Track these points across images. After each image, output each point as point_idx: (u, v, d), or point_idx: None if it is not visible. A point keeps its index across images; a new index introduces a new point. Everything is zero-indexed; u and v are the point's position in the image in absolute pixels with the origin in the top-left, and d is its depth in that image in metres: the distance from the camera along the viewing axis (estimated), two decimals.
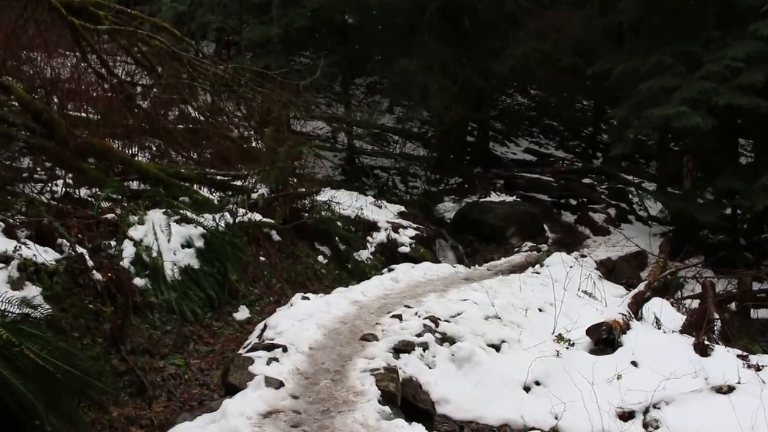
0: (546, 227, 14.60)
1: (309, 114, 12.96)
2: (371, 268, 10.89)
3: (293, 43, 16.22)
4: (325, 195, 10.89)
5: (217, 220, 7.43)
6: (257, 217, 8.46)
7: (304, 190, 9.69)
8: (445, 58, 14.65)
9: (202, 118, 10.84)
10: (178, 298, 6.43)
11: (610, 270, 12.44)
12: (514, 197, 15.36)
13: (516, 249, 13.58)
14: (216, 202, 8.33)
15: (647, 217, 15.46)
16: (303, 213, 9.48)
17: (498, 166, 20.85)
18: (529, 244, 13.67)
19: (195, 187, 8.44)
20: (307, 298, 6.84)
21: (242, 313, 7.00)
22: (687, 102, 11.46)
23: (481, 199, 15.05)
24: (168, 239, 6.71)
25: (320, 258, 9.56)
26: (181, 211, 7.23)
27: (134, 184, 7.89)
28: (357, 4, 14.55)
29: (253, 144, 11.41)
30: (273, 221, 8.67)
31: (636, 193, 17.21)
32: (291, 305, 6.62)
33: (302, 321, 6.00)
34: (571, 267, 10.72)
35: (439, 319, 6.20)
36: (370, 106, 18.82)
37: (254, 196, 8.99)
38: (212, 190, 8.89)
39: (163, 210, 7.00)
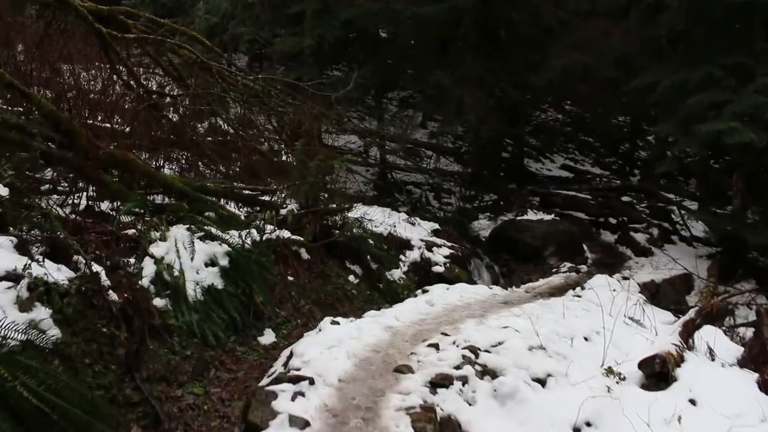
0: (585, 247, 13.99)
1: (341, 127, 12.59)
2: (404, 288, 10.43)
3: (326, 55, 15.89)
4: (356, 211, 10.47)
5: (244, 238, 7.04)
6: (286, 234, 8.05)
7: (335, 206, 9.27)
8: (481, 71, 14.19)
9: (231, 130, 10.52)
10: (200, 320, 6.03)
11: (653, 293, 11.81)
12: (552, 215, 14.78)
13: (554, 270, 13.02)
14: (243, 218, 7.94)
15: (691, 238, 14.75)
16: (334, 230, 9.07)
17: (533, 183, 20.30)
18: (568, 264, 13.10)
19: (222, 201, 8.06)
20: (337, 323, 6.40)
21: (268, 337, 6.57)
22: (739, 117, 10.84)
23: (518, 217, 14.49)
24: (191, 257, 6.33)
25: (351, 278, 9.12)
26: (206, 228, 6.84)
27: (159, 198, 7.54)
28: (390, 16, 14.15)
29: (284, 158, 11.06)
30: (302, 239, 8.26)
31: (679, 213, 16.53)
32: (319, 330, 6.18)
33: (331, 349, 5.56)
34: (614, 291, 10.19)
35: (479, 349, 5.72)
36: (403, 121, 18.41)
37: (283, 212, 8.61)
38: (239, 205, 8.52)
39: (187, 226, 6.61)
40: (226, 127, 10.78)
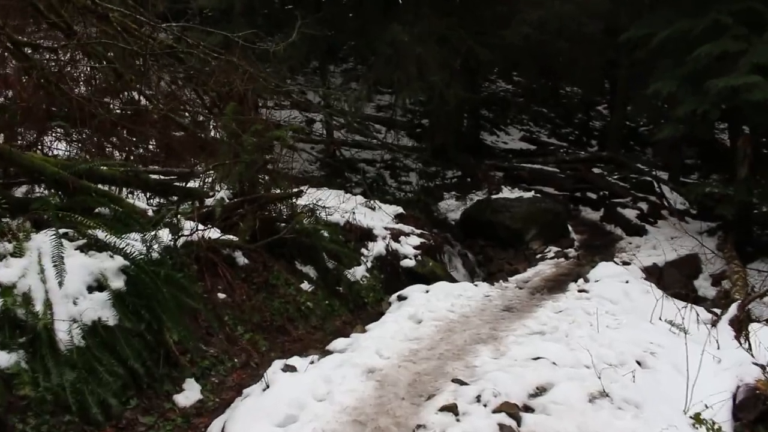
0: (570, 228, 12.14)
1: (281, 91, 10.33)
2: (369, 290, 8.39)
3: (259, 14, 13.52)
4: (306, 197, 8.30)
5: (150, 244, 4.79)
6: (213, 233, 5.83)
7: (279, 192, 7.06)
8: (441, 27, 12.09)
9: (142, 98, 8.15)
10: (76, 381, 3.81)
11: (657, 279, 10.03)
12: (533, 193, 12.86)
13: (539, 255, 11.15)
14: (152, 213, 5.66)
15: (683, 212, 13.10)
16: (278, 223, 6.88)
17: (491, 157, 18.43)
18: (554, 248, 11.25)
19: (122, 192, 5.77)
20: (293, 369, 4.27)
21: (189, 394, 4.39)
22: (760, 70, 9.09)
23: (493, 196, 12.53)
24: (60, 280, 4.07)
25: (304, 284, 6.97)
26: (90, 232, 4.57)
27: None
28: None
29: (212, 133, 8.74)
30: (236, 239, 6.05)
31: (658, 186, 14.92)
32: (266, 387, 4.03)
33: (287, 428, 3.42)
34: (627, 282, 8.34)
35: (519, 408, 3.68)
36: (349, 93, 16.19)
37: (210, 202, 6.38)
38: (149, 195, 6.24)
39: (55, 232, 4.32)
40: (137, 97, 8.39)
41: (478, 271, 11.33)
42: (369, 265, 8.83)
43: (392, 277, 9.02)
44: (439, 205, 12.77)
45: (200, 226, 5.65)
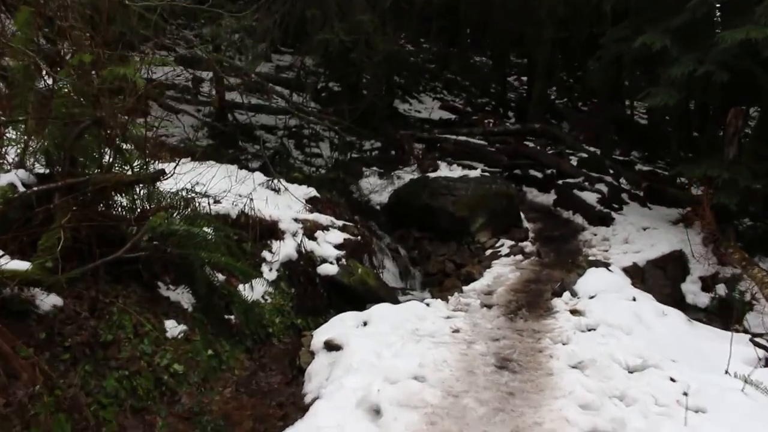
0: (522, 216, 9.80)
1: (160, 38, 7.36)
2: (273, 313, 5.87)
3: None
4: (179, 176, 5.46)
5: None
6: None
7: (124, 172, 4.19)
8: None
9: None
10: None
11: (640, 282, 7.91)
12: (480, 171, 10.40)
13: (489, 251, 8.76)
14: None
15: (645, 196, 11.08)
16: (125, 227, 4.04)
17: (406, 127, 15.93)
18: (508, 242, 8.89)
19: None
20: None
21: None
22: None
23: (431, 174, 9.96)
24: None
25: (170, 325, 4.20)
26: None
27: None
28: None
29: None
30: (32, 265, 3.20)
31: (611, 164, 12.94)
32: None
33: None
34: (634, 299, 6.12)
35: None
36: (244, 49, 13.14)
37: None
38: None
39: None
40: None
41: (412, 271, 8.84)
42: (274, 275, 6.19)
43: (307, 290, 6.42)
44: (360, 184, 10.12)
45: None
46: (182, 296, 4.69)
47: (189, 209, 5.12)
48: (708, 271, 8.45)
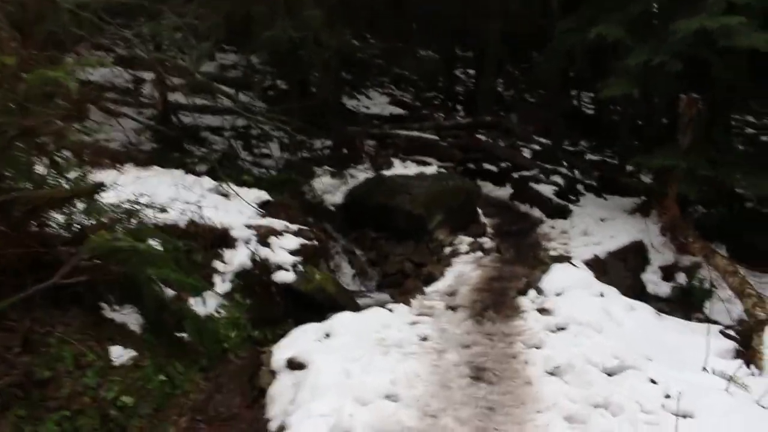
0: (479, 210, 9.64)
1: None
2: (228, 327, 5.54)
3: None
4: (121, 186, 5.08)
5: None
6: None
7: (58, 186, 3.81)
8: None
9: None
10: None
11: (601, 275, 7.82)
12: (438, 168, 10.18)
13: (448, 249, 8.55)
14: None
15: (600, 188, 11.06)
16: (56, 246, 3.67)
17: (355, 123, 15.63)
18: (466, 239, 8.71)
19: None
20: None
21: None
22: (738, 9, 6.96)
23: (386, 172, 9.71)
24: None
25: (116, 353, 3.85)
26: None
27: None
28: None
29: None
30: None
31: (563, 156, 12.91)
32: None
33: None
34: (602, 295, 6.00)
35: None
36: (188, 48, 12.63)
37: None
38: None
39: None
40: None
41: (369, 272, 8.59)
42: (227, 286, 5.87)
43: (263, 300, 6.13)
44: (312, 185, 9.78)
45: None
46: (129, 317, 4.34)
47: (133, 222, 4.75)
48: (667, 261, 8.45)
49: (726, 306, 7.53)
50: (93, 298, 4.07)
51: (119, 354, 3.82)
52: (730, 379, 3.95)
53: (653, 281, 8.29)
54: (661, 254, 8.50)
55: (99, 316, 4.03)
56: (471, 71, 25.76)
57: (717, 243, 8.68)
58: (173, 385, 4.14)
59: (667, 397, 3.70)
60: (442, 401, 3.46)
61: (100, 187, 4.01)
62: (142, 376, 3.83)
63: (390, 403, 3.36)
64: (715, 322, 7.93)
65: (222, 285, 5.83)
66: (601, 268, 8.05)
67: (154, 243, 4.82)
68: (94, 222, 4.11)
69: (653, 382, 3.89)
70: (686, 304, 8.00)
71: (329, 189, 9.94)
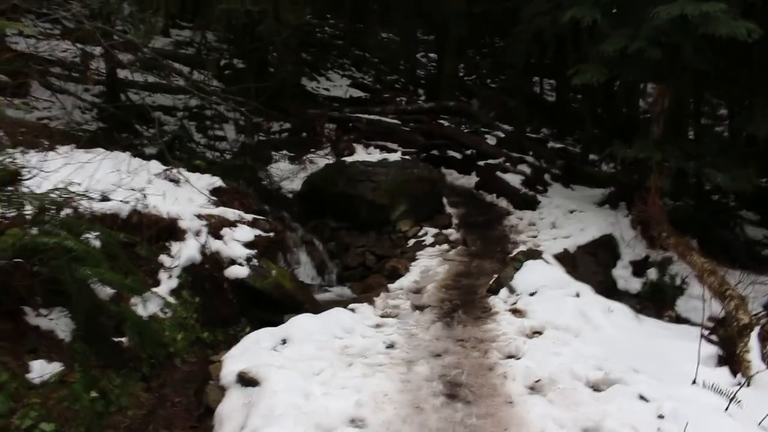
0: (444, 200, 9.23)
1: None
2: (174, 329, 5.08)
3: None
4: (55, 170, 4.50)
5: None
6: None
7: None
8: None
9: None
10: None
11: (571, 269, 7.50)
12: (400, 154, 9.71)
13: (412, 240, 8.14)
14: None
15: (565, 177, 10.76)
16: None
17: (315, 106, 15.07)
18: (430, 230, 8.32)
19: None
20: None
21: None
22: None
23: (347, 159, 9.20)
24: None
25: (37, 366, 3.32)
26: None
27: None
28: None
29: None
30: None
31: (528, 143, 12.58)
32: None
33: None
34: (577, 295, 5.66)
35: None
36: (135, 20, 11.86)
37: None
38: None
39: None
40: None
41: (329, 265, 8.12)
42: (174, 283, 5.33)
43: (214, 298, 5.60)
44: (269, 171, 9.23)
45: None
46: (57, 322, 3.80)
47: (65, 213, 4.19)
48: (638, 256, 8.18)
49: (696, 304, 7.27)
50: (12, 302, 3.52)
51: (41, 369, 3.29)
52: (731, 399, 3.61)
53: (624, 277, 8.01)
54: (631, 249, 8.22)
55: (20, 323, 3.50)
56: (433, 55, 25.36)
57: (688, 237, 8.46)
58: (107, 402, 3.64)
59: (661, 417, 3.35)
60: (415, 427, 3.04)
61: (13, 178, 3.45)
62: (68, 395, 3.32)
63: (355, 430, 2.92)
64: (686, 321, 7.81)
65: (168, 282, 5.28)
66: (571, 262, 7.73)
67: (89, 237, 4.28)
68: (14, 213, 3.54)
69: (643, 398, 3.53)
70: (657, 300, 7.74)
71: (287, 175, 9.43)
